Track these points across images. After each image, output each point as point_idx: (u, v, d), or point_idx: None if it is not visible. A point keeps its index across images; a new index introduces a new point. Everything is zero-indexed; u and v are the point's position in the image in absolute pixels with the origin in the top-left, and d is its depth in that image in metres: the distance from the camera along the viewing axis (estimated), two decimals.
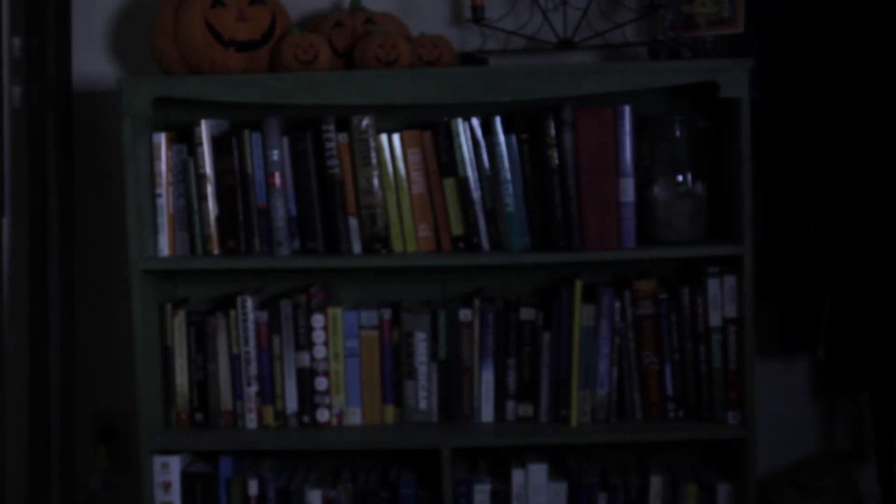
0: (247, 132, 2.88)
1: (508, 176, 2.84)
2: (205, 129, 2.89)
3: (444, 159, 2.86)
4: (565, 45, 2.97)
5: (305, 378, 2.89)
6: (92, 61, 3.10)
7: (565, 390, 2.86)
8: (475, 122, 2.85)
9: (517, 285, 3.03)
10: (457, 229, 2.88)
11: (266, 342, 2.89)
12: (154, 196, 2.88)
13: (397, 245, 2.89)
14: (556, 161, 2.81)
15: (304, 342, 2.88)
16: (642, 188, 2.87)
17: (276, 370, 2.90)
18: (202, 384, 2.92)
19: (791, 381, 3.11)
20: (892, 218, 2.77)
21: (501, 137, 2.84)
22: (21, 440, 3.09)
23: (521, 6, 3.02)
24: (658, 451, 3.01)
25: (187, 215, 2.90)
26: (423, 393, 2.91)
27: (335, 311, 2.89)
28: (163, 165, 2.88)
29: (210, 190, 2.89)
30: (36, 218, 3.01)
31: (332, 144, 2.87)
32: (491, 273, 3.02)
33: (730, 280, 2.81)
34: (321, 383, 2.89)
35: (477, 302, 2.89)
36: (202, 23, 2.83)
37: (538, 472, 2.85)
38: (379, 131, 2.88)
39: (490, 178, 2.85)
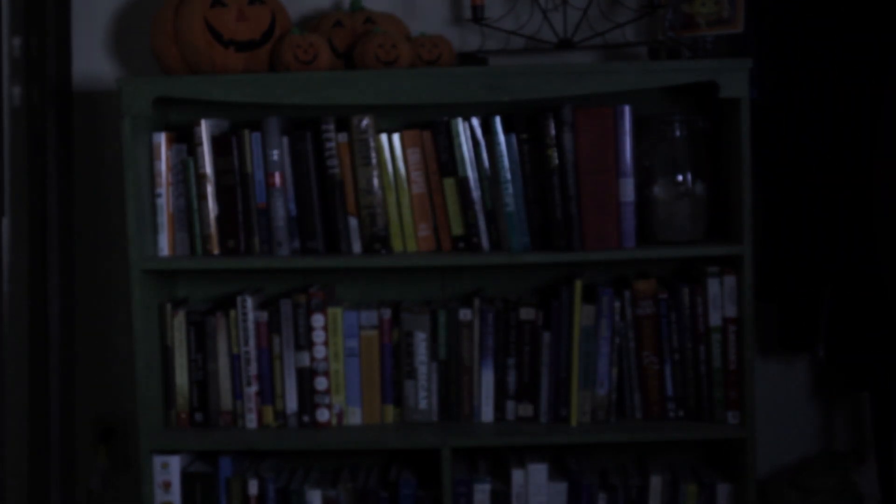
0: (247, 132, 2.88)
1: (508, 176, 2.84)
2: (205, 129, 2.89)
3: (443, 159, 2.86)
4: (565, 45, 2.97)
5: (305, 378, 2.89)
6: (92, 61, 3.10)
7: (565, 390, 2.86)
8: (475, 122, 2.85)
9: (517, 285, 3.03)
10: (457, 229, 2.88)
11: (266, 342, 2.89)
12: (154, 196, 2.88)
13: (397, 245, 2.89)
14: (556, 161, 2.81)
15: (304, 342, 2.88)
16: (642, 188, 2.87)
17: (276, 370, 2.90)
18: (202, 384, 2.92)
19: (791, 381, 3.11)
20: (892, 217, 2.77)
21: (501, 137, 2.84)
22: (21, 440, 3.09)
23: (521, 6, 3.02)
24: (658, 451, 3.01)
25: (187, 215, 2.90)
26: (423, 393, 2.91)
27: (335, 311, 2.89)
28: (163, 165, 2.88)
29: (210, 190, 2.89)
30: (36, 218, 3.01)
31: (331, 144, 2.87)
32: (491, 273, 3.02)
33: (730, 280, 2.81)
34: (321, 383, 2.89)
35: (477, 302, 2.88)
36: (202, 23, 2.83)
37: (538, 472, 2.85)
38: (379, 131, 2.88)
39: (490, 178, 2.85)
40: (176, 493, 2.87)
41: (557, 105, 2.81)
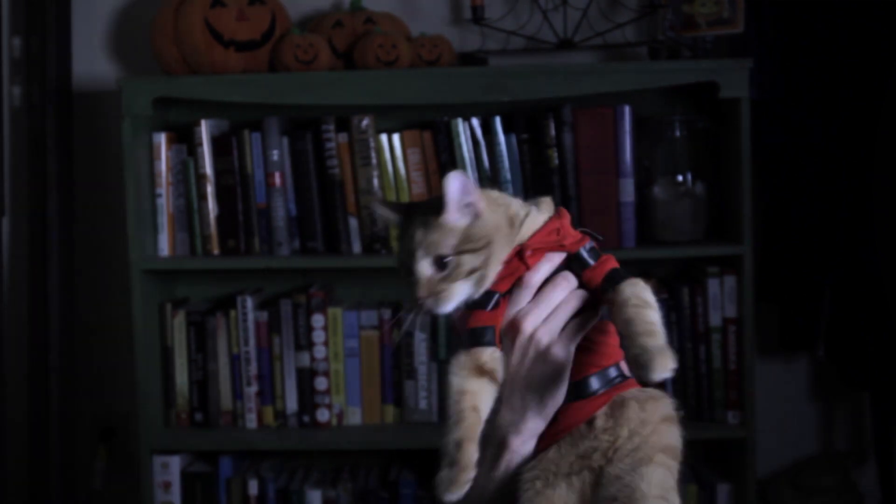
0: (247, 132, 2.88)
1: (508, 176, 2.84)
2: (205, 129, 2.89)
3: (443, 159, 2.86)
4: (565, 45, 2.96)
5: (305, 378, 2.89)
6: (92, 61, 3.10)
7: None
8: (475, 122, 2.85)
9: None
10: None
11: (266, 342, 2.89)
12: (154, 196, 2.88)
13: (397, 245, 2.88)
14: (556, 161, 2.81)
15: (304, 342, 2.88)
16: (642, 188, 2.87)
17: (276, 370, 2.90)
18: (202, 384, 2.91)
19: (791, 381, 3.10)
20: (892, 217, 2.77)
21: (501, 137, 2.84)
22: (21, 440, 3.09)
23: (521, 6, 3.02)
24: None
25: (187, 215, 2.90)
26: (423, 393, 2.91)
27: (335, 311, 2.89)
28: (163, 165, 2.88)
29: (210, 190, 2.89)
30: (36, 218, 3.01)
31: (331, 144, 2.87)
32: None
33: (730, 280, 2.80)
34: (321, 383, 2.89)
35: None
36: (202, 23, 2.83)
37: None
38: (379, 131, 2.88)
39: (490, 178, 2.85)
40: (176, 493, 2.87)
41: (557, 105, 2.81)
